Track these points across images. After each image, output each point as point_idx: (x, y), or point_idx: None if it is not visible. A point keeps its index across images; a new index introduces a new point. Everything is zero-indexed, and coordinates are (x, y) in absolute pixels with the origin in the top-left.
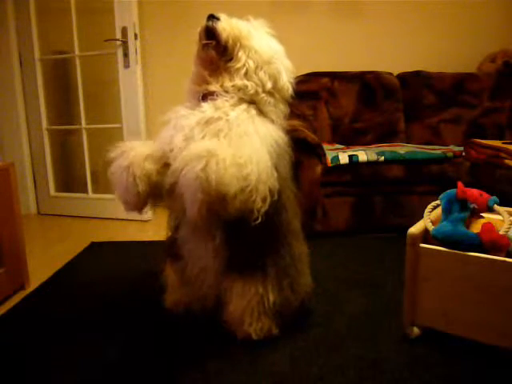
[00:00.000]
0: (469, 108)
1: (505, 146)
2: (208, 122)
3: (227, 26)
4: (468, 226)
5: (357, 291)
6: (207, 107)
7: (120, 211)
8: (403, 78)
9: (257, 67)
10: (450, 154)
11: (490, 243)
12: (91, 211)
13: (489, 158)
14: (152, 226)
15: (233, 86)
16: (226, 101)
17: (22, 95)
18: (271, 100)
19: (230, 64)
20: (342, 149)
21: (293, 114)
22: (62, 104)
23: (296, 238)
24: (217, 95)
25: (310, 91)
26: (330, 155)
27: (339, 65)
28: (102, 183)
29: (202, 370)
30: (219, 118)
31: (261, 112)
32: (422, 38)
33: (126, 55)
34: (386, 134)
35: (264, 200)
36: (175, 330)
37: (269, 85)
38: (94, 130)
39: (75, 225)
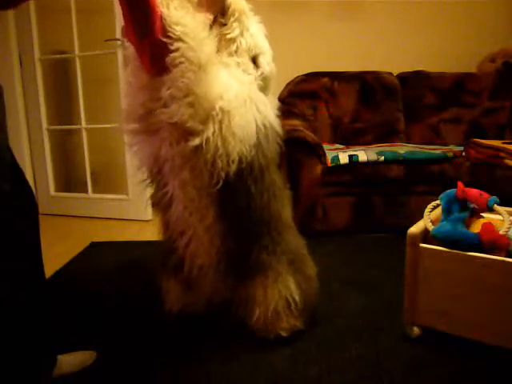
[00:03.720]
0: (469, 108)
1: (505, 145)
2: None
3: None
4: (468, 226)
5: (357, 291)
6: None
7: (120, 211)
8: (403, 78)
9: (248, 50)
10: (450, 154)
11: (490, 243)
12: (91, 211)
13: (489, 158)
14: (152, 226)
15: (225, 42)
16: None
17: (22, 95)
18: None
19: (223, 31)
20: (341, 149)
21: (293, 113)
22: (62, 104)
23: (290, 230)
24: None
25: (310, 91)
26: (329, 155)
27: (339, 65)
28: (102, 183)
29: (203, 370)
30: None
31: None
32: (422, 38)
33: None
34: (386, 134)
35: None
36: (175, 331)
37: (258, 71)
38: (93, 129)
39: (75, 225)
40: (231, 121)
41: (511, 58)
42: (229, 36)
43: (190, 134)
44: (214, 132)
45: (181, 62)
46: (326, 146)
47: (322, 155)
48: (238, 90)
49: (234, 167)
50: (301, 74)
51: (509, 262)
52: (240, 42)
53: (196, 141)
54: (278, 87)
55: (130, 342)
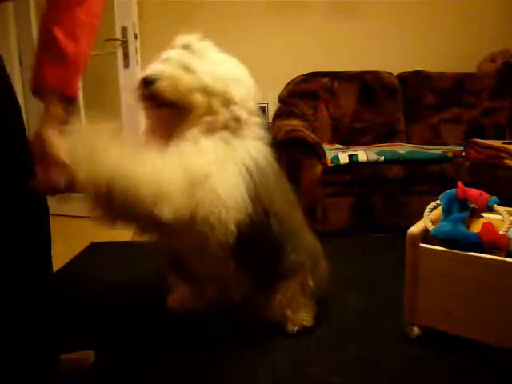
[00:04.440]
0: (469, 108)
1: (505, 145)
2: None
3: (166, 83)
4: (468, 226)
5: (357, 291)
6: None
7: None
8: (403, 78)
9: (216, 101)
10: (450, 154)
11: (490, 243)
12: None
13: (489, 158)
14: None
15: (198, 128)
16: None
17: (22, 95)
18: (243, 124)
19: (186, 113)
20: (341, 149)
21: (293, 113)
22: None
23: (304, 229)
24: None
25: (310, 91)
26: (329, 155)
27: (339, 65)
28: None
29: (203, 370)
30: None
31: (234, 135)
32: (422, 38)
33: (125, 55)
34: (386, 134)
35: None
36: (176, 331)
37: (233, 114)
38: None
39: (75, 225)
40: (215, 193)
41: (511, 58)
42: (193, 114)
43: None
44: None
45: None
46: (326, 146)
47: (321, 155)
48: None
49: (235, 233)
50: (301, 74)
51: (509, 262)
52: (201, 107)
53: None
54: (278, 87)
55: (129, 341)
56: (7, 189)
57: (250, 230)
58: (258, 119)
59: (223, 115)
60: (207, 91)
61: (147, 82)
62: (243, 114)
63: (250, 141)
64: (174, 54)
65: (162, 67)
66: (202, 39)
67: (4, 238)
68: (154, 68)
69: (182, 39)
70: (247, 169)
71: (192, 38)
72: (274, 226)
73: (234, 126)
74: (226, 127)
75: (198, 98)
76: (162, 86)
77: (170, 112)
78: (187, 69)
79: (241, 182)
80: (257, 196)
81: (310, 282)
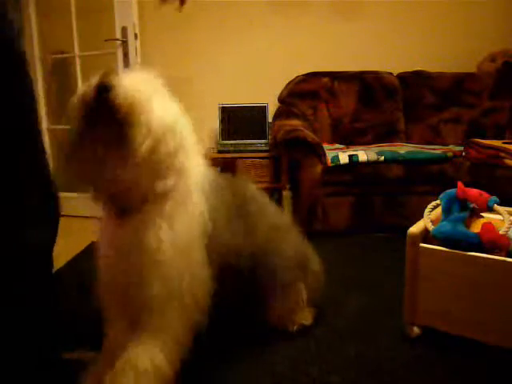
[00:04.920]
0: (469, 108)
1: (505, 145)
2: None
3: (129, 96)
4: (468, 226)
5: (357, 291)
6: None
7: None
8: (403, 78)
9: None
10: (450, 154)
11: (490, 243)
12: (91, 211)
13: (489, 158)
14: None
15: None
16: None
17: None
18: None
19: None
20: (341, 149)
21: (293, 113)
22: (63, 104)
23: (287, 235)
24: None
25: (310, 91)
26: (329, 155)
27: (339, 65)
28: None
29: (203, 370)
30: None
31: (175, 198)
32: (422, 38)
33: (125, 55)
34: (386, 134)
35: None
36: None
37: (174, 162)
38: None
39: (75, 225)
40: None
41: (511, 58)
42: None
43: None
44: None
45: None
46: (326, 146)
47: (321, 155)
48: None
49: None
50: (301, 74)
51: (509, 262)
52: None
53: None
54: (277, 87)
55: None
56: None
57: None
58: (195, 156)
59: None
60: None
61: (103, 88)
62: (185, 161)
63: (192, 193)
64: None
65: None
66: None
67: (4, 234)
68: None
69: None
70: (205, 233)
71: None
72: (258, 254)
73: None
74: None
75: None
76: (123, 96)
77: (105, 141)
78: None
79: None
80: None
81: (304, 294)
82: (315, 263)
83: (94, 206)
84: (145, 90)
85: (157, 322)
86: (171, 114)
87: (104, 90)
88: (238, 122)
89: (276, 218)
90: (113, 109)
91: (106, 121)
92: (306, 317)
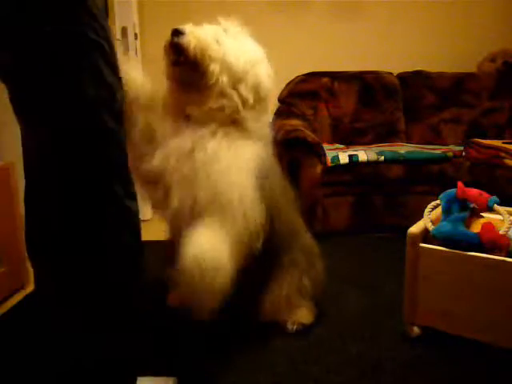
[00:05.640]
0: (469, 108)
1: (505, 145)
2: (189, 154)
3: (193, 39)
4: (468, 226)
5: (357, 291)
6: (188, 136)
7: None
8: (403, 78)
9: (232, 81)
10: (450, 154)
11: (490, 243)
12: None
13: (489, 158)
14: (152, 226)
15: (209, 108)
16: (205, 128)
17: None
18: (253, 114)
19: (202, 81)
20: (341, 149)
21: (293, 113)
22: None
23: (301, 231)
24: (194, 120)
25: (310, 91)
26: (329, 155)
27: (339, 65)
28: None
29: (203, 370)
30: (200, 150)
31: (243, 131)
32: (422, 38)
33: (125, 55)
34: (386, 134)
35: (258, 238)
36: (176, 330)
37: (250, 99)
38: None
39: None
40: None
41: (511, 58)
42: (209, 83)
43: None
44: None
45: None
46: (326, 146)
47: (321, 155)
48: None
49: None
50: (301, 74)
51: (509, 262)
52: (222, 79)
53: None
54: (278, 87)
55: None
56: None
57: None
58: (265, 109)
59: (231, 98)
60: (225, 67)
61: (176, 32)
62: (250, 98)
63: (255, 140)
64: (209, 27)
65: (196, 29)
66: (238, 26)
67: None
68: (187, 26)
69: (222, 22)
70: (257, 176)
71: (230, 24)
72: (277, 230)
73: (245, 116)
74: (232, 118)
75: (216, 70)
76: (188, 39)
77: (186, 75)
78: (216, 40)
79: (256, 197)
80: (267, 206)
81: (306, 282)
82: (320, 262)
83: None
84: (213, 34)
85: (220, 218)
86: (250, 58)
87: (175, 35)
88: None
89: (298, 212)
90: (183, 49)
91: (184, 59)
92: (305, 316)
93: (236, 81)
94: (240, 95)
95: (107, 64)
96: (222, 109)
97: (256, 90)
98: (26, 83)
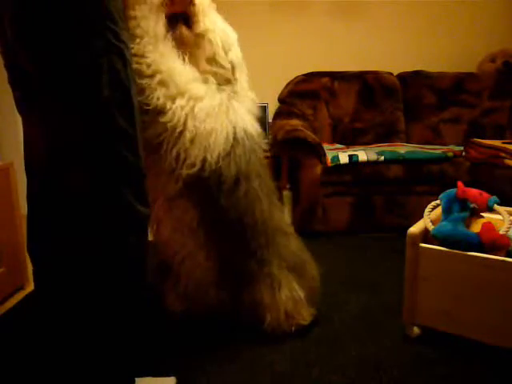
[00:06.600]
0: (469, 108)
1: (505, 145)
2: None
3: None
4: (468, 226)
5: (357, 291)
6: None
7: None
8: (403, 77)
9: (224, 50)
10: (450, 154)
11: (490, 243)
12: None
13: (489, 158)
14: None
15: (205, 71)
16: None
17: None
18: (240, 88)
19: (198, 39)
20: (341, 149)
21: (293, 113)
22: None
23: (284, 235)
24: None
25: (310, 91)
26: (329, 155)
27: (339, 65)
28: None
29: (202, 370)
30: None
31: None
32: (422, 38)
33: None
34: (386, 134)
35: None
36: (174, 331)
37: (235, 72)
38: None
39: None
40: (198, 121)
41: (511, 58)
42: (199, 30)
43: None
44: (181, 113)
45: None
46: (326, 146)
47: (321, 155)
48: (208, 98)
49: (194, 170)
50: (301, 74)
51: (509, 262)
52: (213, 39)
53: (165, 117)
54: (277, 87)
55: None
56: None
57: (208, 195)
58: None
59: (227, 63)
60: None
61: None
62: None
63: (244, 110)
64: None
65: None
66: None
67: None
68: None
69: None
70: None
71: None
72: (231, 212)
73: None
74: (227, 82)
75: (206, 26)
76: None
77: (186, 32)
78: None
79: (223, 131)
80: (228, 161)
81: (300, 293)
82: (313, 270)
83: None
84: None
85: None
86: (231, 36)
87: None
88: None
89: (280, 215)
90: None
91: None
92: (303, 316)
93: (226, 51)
94: (230, 63)
95: (124, 67)
96: (216, 72)
97: (236, 67)
98: (44, 80)
